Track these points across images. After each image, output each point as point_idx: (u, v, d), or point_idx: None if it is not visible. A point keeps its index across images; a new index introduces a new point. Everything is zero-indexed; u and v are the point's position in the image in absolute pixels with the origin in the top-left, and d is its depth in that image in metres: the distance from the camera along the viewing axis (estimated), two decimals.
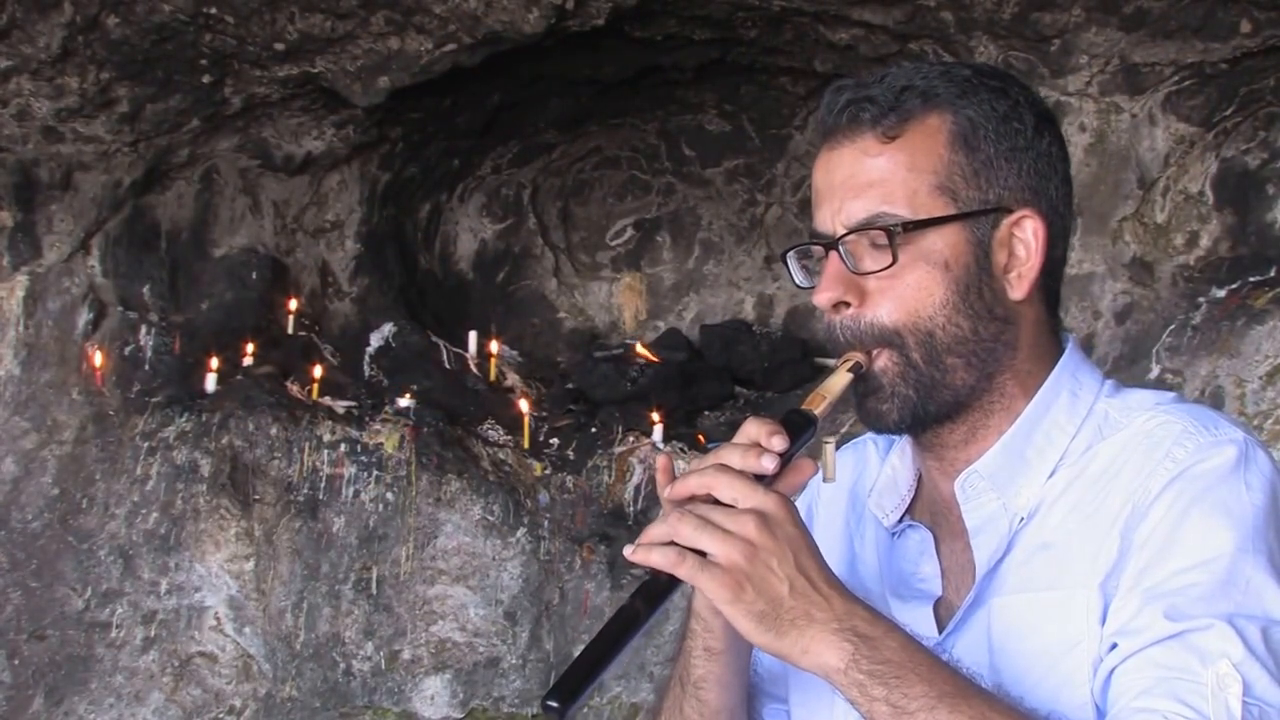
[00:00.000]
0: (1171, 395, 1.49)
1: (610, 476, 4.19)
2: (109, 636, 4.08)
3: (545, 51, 4.18)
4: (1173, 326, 3.73)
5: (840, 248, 1.44)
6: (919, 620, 1.47)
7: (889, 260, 1.41)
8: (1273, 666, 1.28)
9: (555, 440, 4.39)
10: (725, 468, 1.34)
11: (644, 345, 5.01)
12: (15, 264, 4.27)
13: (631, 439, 4.27)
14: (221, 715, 4.05)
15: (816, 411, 1.41)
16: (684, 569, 1.28)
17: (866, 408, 1.47)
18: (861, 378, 1.45)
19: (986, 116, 1.45)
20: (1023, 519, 1.44)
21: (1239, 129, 3.82)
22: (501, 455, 4.26)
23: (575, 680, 1.26)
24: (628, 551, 1.33)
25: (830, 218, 1.46)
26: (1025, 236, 1.45)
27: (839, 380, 1.44)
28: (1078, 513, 1.41)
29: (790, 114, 5.04)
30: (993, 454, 1.46)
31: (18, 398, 4.24)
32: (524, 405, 4.46)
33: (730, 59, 4.57)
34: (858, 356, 1.45)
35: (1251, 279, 3.70)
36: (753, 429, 1.37)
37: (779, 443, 1.35)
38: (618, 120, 5.07)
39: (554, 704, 1.24)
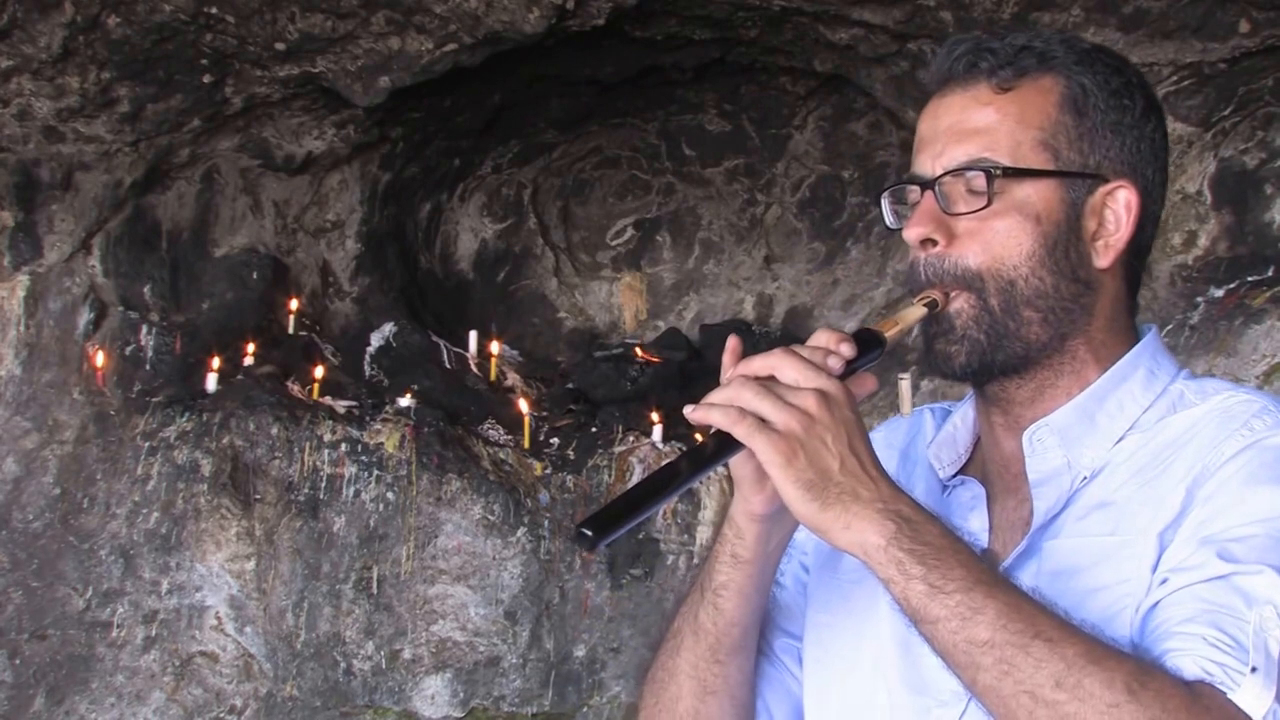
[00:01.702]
0: (1249, 386, 1.51)
1: (610, 476, 4.20)
2: (110, 636, 4.08)
3: (546, 51, 4.19)
4: (1170, 326, 3.73)
5: (936, 187, 1.46)
6: None
7: (983, 203, 1.43)
8: None
9: (555, 440, 4.39)
10: (792, 353, 1.35)
11: (643, 345, 5.02)
12: (16, 264, 4.27)
13: (631, 439, 4.28)
14: (222, 715, 4.06)
15: (888, 335, 1.42)
16: (741, 428, 1.30)
17: (935, 349, 1.48)
18: (935, 317, 1.46)
19: (1099, 87, 1.47)
20: (1085, 478, 1.45)
21: (1237, 129, 3.82)
22: (502, 455, 4.26)
23: (611, 516, 1.28)
24: (687, 410, 1.34)
25: (930, 161, 1.47)
26: (1117, 207, 1.47)
27: (913, 313, 1.45)
28: (1141, 476, 1.42)
29: (790, 114, 5.04)
30: (1065, 411, 1.47)
31: (19, 398, 4.24)
32: (524, 405, 4.46)
33: (730, 59, 4.57)
34: (935, 294, 1.46)
35: (1249, 279, 3.70)
36: (824, 336, 1.38)
37: (847, 349, 1.37)
38: (618, 120, 5.08)
39: (588, 532, 1.26)
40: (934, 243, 1.46)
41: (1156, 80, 3.78)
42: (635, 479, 4.15)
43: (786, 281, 5.15)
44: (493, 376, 4.70)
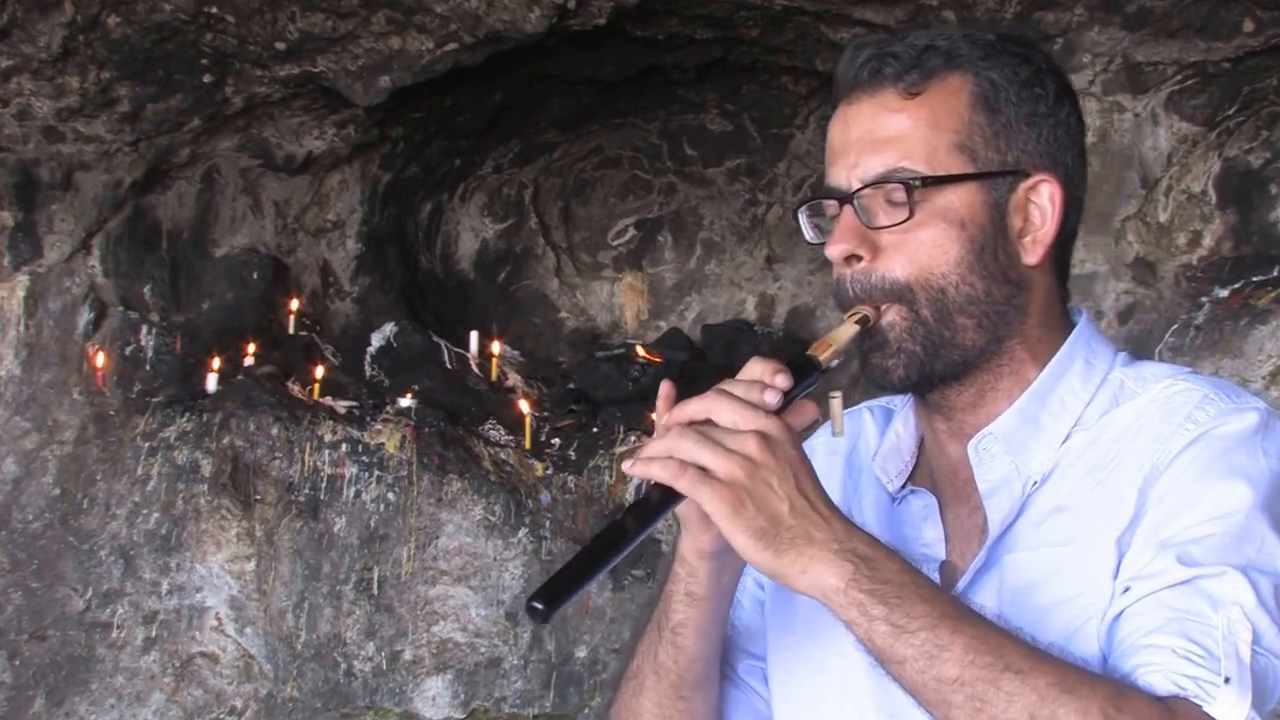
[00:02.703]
0: (1188, 369, 1.48)
1: (611, 477, 4.19)
2: (110, 637, 4.07)
3: (547, 51, 4.18)
4: (1175, 326, 3.72)
5: (855, 202, 1.43)
6: None
7: (905, 215, 1.40)
8: None
9: (557, 440, 4.39)
10: (727, 393, 1.32)
11: (645, 345, 5.01)
12: (16, 264, 4.26)
13: (633, 439, 4.27)
14: (222, 716, 4.05)
15: (821, 358, 1.40)
16: (684, 482, 1.27)
17: (872, 363, 1.45)
18: (868, 332, 1.43)
19: (1009, 80, 1.44)
20: (1036, 482, 1.43)
21: (1242, 128, 3.81)
22: (503, 455, 4.25)
23: (561, 585, 1.25)
24: (626, 465, 1.31)
25: (846, 173, 1.44)
26: (1041, 201, 1.44)
27: (846, 331, 1.43)
28: (1092, 476, 1.40)
29: (792, 113, 5.03)
30: (1007, 417, 1.45)
31: (18, 398, 4.23)
32: (525, 405, 4.45)
33: (732, 58, 4.56)
34: (866, 310, 1.43)
35: (1254, 278, 3.69)
36: (757, 367, 1.35)
37: (783, 380, 1.33)
38: (619, 120, 5.07)
39: (539, 605, 1.23)
40: (859, 258, 1.43)
41: (1161, 80, 3.77)
42: (636, 479, 4.14)
43: (788, 281, 5.14)
44: (494, 377, 4.69)
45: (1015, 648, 1.24)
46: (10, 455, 4.20)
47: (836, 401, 1.44)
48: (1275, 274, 3.67)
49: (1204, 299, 3.73)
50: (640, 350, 4.93)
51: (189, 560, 4.09)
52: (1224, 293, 3.70)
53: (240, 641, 4.07)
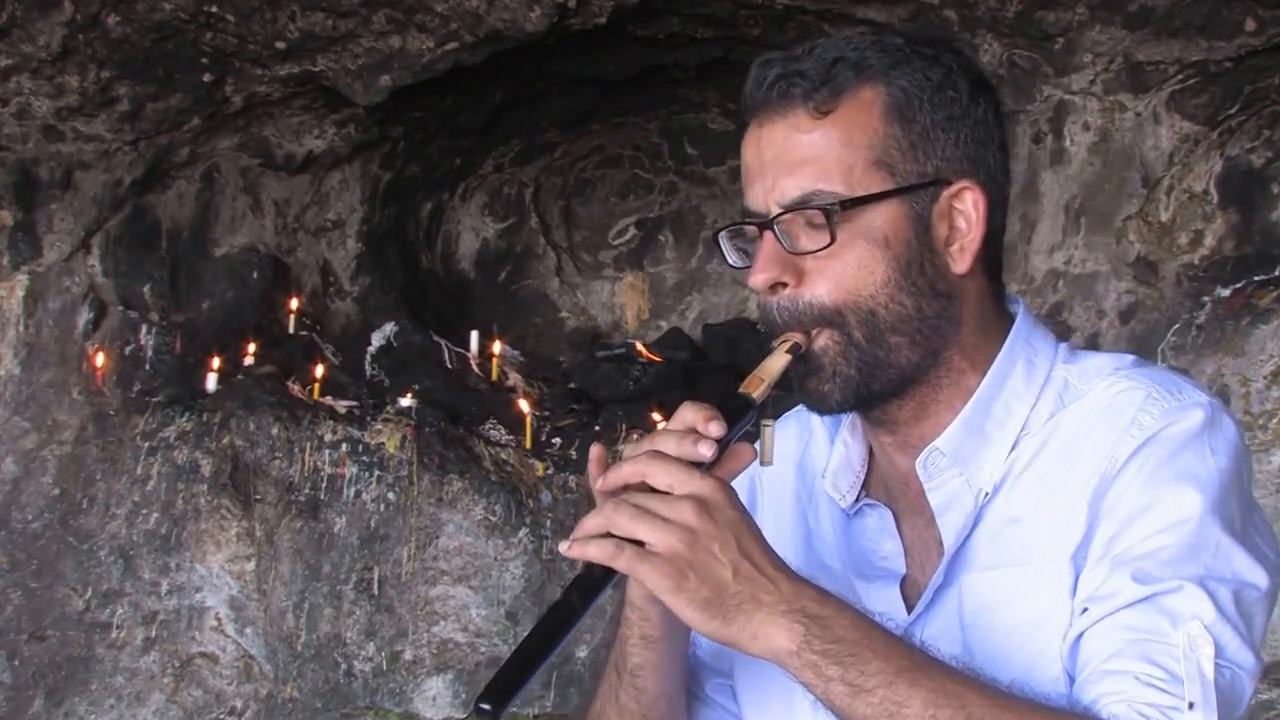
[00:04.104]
0: (1130, 359, 1.45)
1: None
2: (109, 637, 4.07)
3: (547, 50, 4.17)
4: (1177, 326, 3.72)
5: (775, 227, 1.41)
6: (887, 601, 1.44)
7: (827, 240, 1.37)
8: (1244, 629, 1.26)
9: (557, 440, 4.38)
10: (659, 454, 1.29)
11: (646, 345, 5.00)
12: (15, 263, 4.26)
13: (634, 439, 4.26)
14: (222, 716, 4.04)
15: (754, 394, 1.37)
16: (622, 561, 1.24)
17: (808, 389, 1.42)
18: (801, 358, 1.40)
19: (920, 86, 1.40)
20: (987, 494, 1.41)
21: (1243, 128, 3.81)
22: (503, 455, 4.25)
23: (507, 680, 1.23)
24: (563, 548, 1.28)
25: (763, 196, 1.43)
26: (965, 208, 1.41)
27: (777, 361, 1.39)
28: (1045, 484, 1.38)
29: None
30: (952, 430, 1.42)
31: (18, 397, 4.23)
32: (526, 405, 4.45)
33: (733, 58, 4.55)
34: (796, 337, 1.40)
35: (1256, 278, 3.69)
36: (689, 414, 1.32)
37: (716, 429, 1.30)
38: (620, 119, 5.06)
39: (485, 706, 1.21)
40: (784, 285, 1.40)
41: (1162, 79, 3.77)
42: None
43: None
44: (494, 376, 4.68)
45: (976, 696, 1.22)
46: (10, 455, 4.19)
47: (769, 431, 1.42)
48: (1277, 273, 3.67)
49: (1206, 298, 3.72)
50: (643, 349, 4.92)
51: (189, 560, 4.08)
52: (1226, 292, 3.70)
53: (240, 642, 4.06)
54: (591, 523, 1.27)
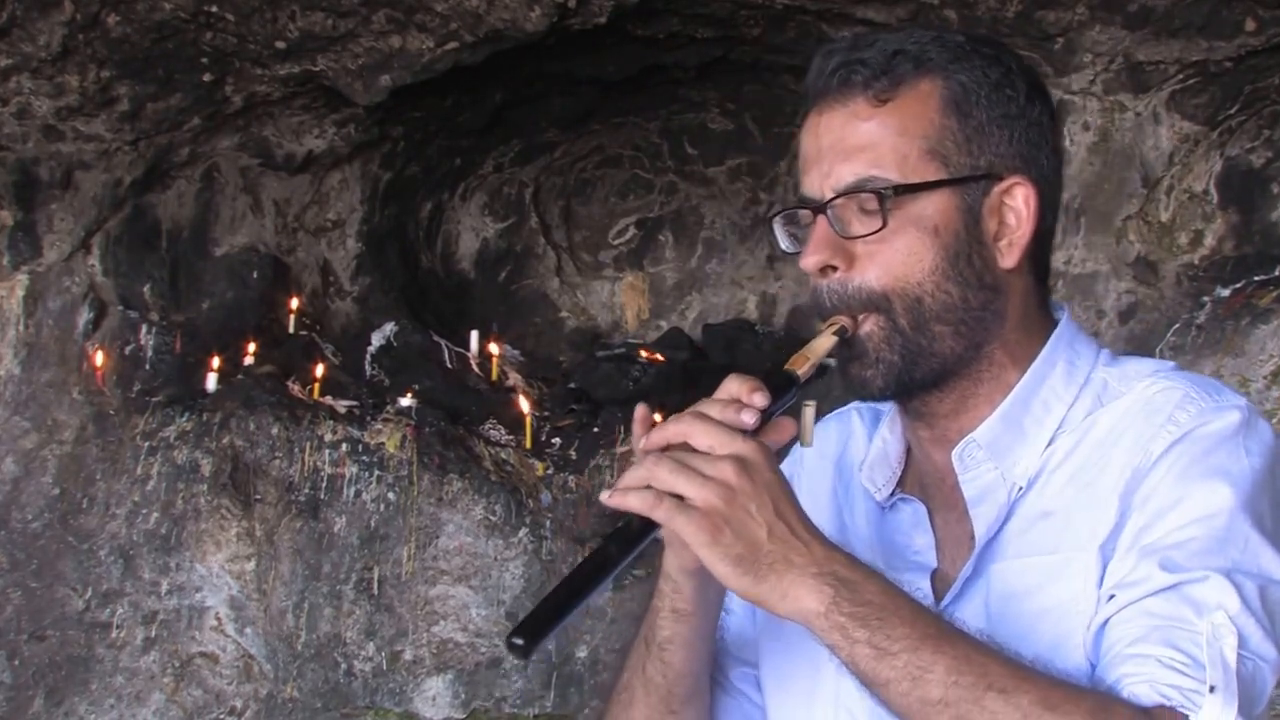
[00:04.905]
0: (1170, 364, 1.48)
1: (612, 476, 4.18)
2: (109, 637, 4.07)
3: (547, 50, 4.17)
4: (1177, 326, 3.72)
5: (828, 211, 1.43)
6: (917, 593, 1.44)
7: (878, 224, 1.40)
8: (1267, 624, 1.28)
9: (557, 440, 4.38)
10: (703, 416, 1.32)
11: (647, 345, 5.00)
12: (15, 263, 4.26)
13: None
14: (222, 716, 4.04)
15: (799, 372, 1.39)
16: (660, 512, 1.27)
17: (851, 373, 1.45)
18: (846, 342, 1.43)
19: (979, 83, 1.43)
20: (1021, 488, 1.43)
21: (1243, 127, 3.81)
22: (503, 455, 4.25)
23: (542, 619, 1.25)
24: (603, 496, 1.32)
25: (819, 182, 1.44)
26: (1016, 204, 1.44)
27: (823, 342, 1.42)
28: (1078, 480, 1.40)
29: (793, 112, 5.02)
30: (990, 423, 1.44)
31: (18, 397, 4.23)
32: (526, 405, 4.44)
33: (733, 57, 4.55)
34: (843, 320, 1.43)
35: (1256, 278, 3.69)
36: (734, 385, 1.34)
37: (760, 399, 1.33)
38: (620, 119, 5.06)
39: (519, 641, 1.22)
40: (834, 269, 1.43)
41: (1162, 79, 3.77)
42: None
43: (790, 281, 5.13)
44: (494, 376, 4.68)
45: (999, 666, 1.24)
46: (10, 455, 4.19)
47: (809, 410, 1.44)
48: (1277, 273, 3.67)
49: (1205, 298, 3.72)
50: (644, 350, 4.92)
51: (189, 560, 4.08)
52: (1225, 292, 3.70)
53: (240, 641, 4.06)
54: (633, 475, 1.30)
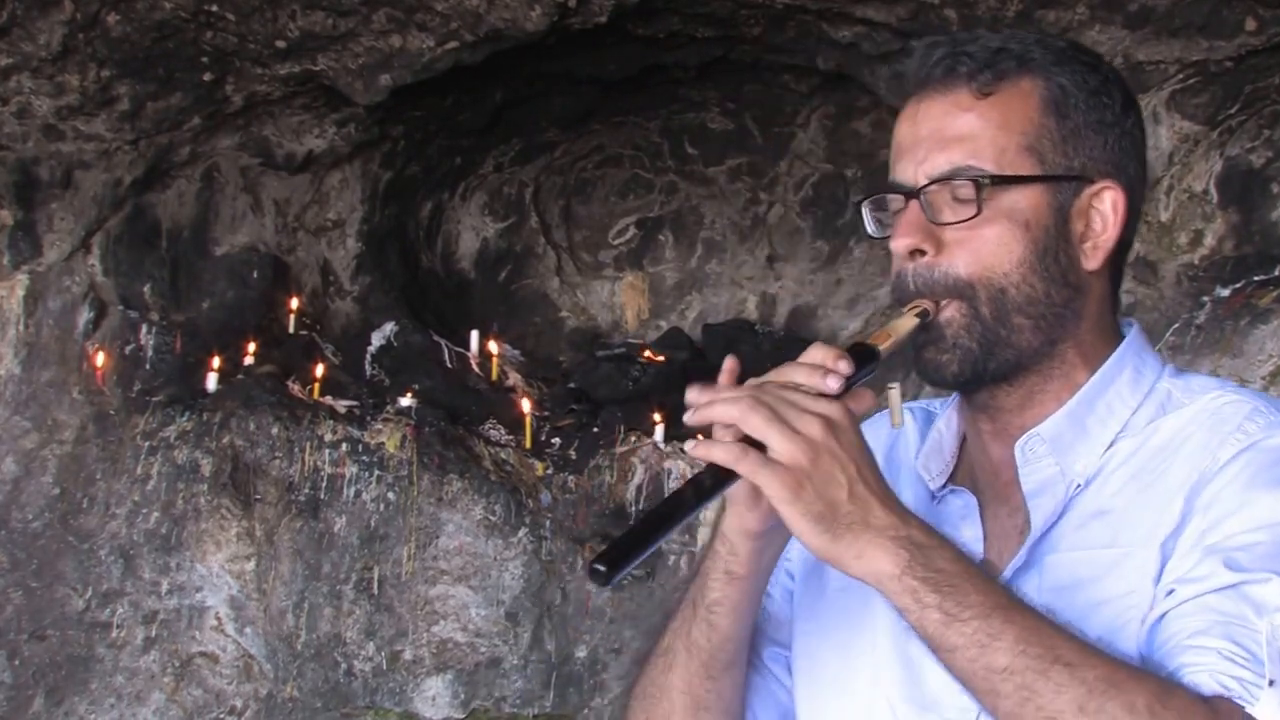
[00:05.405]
0: (1234, 384, 1.50)
1: (612, 476, 4.18)
2: (110, 637, 4.07)
3: (548, 50, 4.17)
4: (1176, 325, 3.72)
5: (922, 197, 1.45)
6: None
7: (972, 212, 1.42)
8: None
9: (557, 440, 4.38)
10: (791, 375, 1.34)
11: (647, 345, 5.00)
12: (16, 263, 4.26)
13: (634, 439, 4.26)
14: (222, 715, 4.04)
15: (881, 347, 1.41)
16: (745, 465, 1.28)
17: (925, 358, 1.47)
18: (925, 326, 1.45)
19: (1079, 87, 1.46)
20: (1079, 485, 1.44)
21: (1244, 127, 3.81)
22: (503, 455, 4.25)
23: (623, 550, 1.27)
24: (689, 446, 1.32)
25: (913, 168, 1.46)
26: (1104, 208, 1.47)
27: (905, 323, 1.44)
28: (1137, 482, 1.42)
29: (793, 112, 5.03)
30: (1055, 419, 1.46)
31: (18, 397, 4.23)
32: (526, 405, 4.45)
33: (733, 57, 4.56)
34: (925, 304, 1.45)
35: (1256, 278, 3.68)
36: (818, 353, 1.36)
37: (845, 366, 1.35)
38: (620, 119, 5.07)
39: (601, 568, 1.25)
40: (922, 253, 1.45)
41: (1162, 79, 3.77)
42: (637, 479, 4.15)
43: (790, 281, 5.13)
44: (494, 376, 4.68)
45: (1065, 640, 1.25)
46: (10, 455, 4.20)
47: (895, 392, 1.47)
48: (1277, 273, 3.66)
49: (1205, 298, 3.72)
50: (645, 350, 4.92)
51: (189, 560, 4.08)
52: (1225, 292, 3.70)
53: (240, 641, 4.06)
54: (723, 410, 1.31)
